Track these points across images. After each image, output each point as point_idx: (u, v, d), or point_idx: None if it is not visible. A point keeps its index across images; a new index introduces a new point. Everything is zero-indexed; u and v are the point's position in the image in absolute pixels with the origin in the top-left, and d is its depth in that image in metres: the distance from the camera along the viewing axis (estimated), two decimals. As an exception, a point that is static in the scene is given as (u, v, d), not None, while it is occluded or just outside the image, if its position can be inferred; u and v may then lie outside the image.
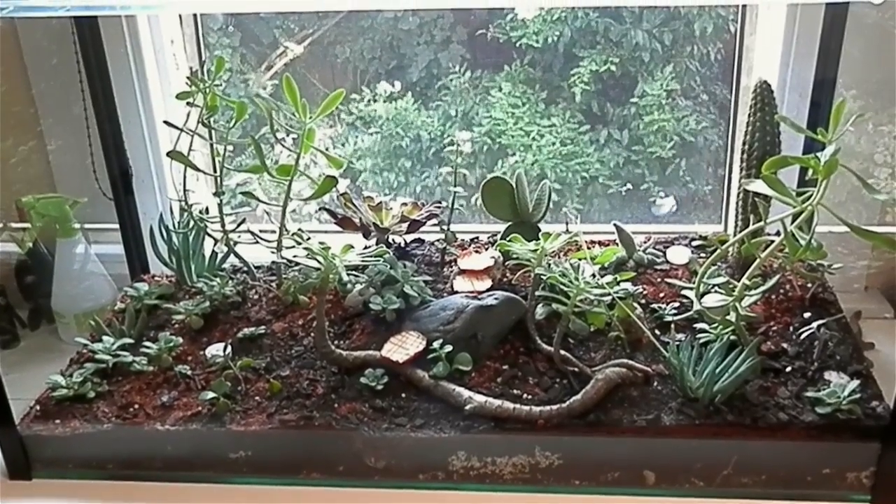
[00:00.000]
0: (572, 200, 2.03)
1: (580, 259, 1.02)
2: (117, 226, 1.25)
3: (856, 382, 0.91)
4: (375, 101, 2.11)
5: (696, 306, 0.93)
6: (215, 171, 1.14)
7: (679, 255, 1.14)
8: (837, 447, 0.88)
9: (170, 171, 1.29)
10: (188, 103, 1.12)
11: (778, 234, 0.89)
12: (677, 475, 0.91)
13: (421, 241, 1.21)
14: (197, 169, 1.13)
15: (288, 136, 1.08)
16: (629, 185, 2.00)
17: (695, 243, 1.18)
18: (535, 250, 0.97)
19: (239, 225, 1.16)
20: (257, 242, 1.16)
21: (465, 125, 2.09)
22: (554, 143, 2.10)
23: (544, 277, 0.96)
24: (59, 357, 1.10)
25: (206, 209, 1.20)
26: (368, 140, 2.10)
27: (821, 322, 0.99)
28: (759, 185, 0.87)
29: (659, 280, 1.10)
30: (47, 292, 1.25)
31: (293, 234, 0.97)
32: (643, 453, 0.91)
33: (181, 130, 1.12)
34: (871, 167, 1.17)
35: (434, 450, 0.93)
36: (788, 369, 0.95)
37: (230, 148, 1.13)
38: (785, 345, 0.98)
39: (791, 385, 0.93)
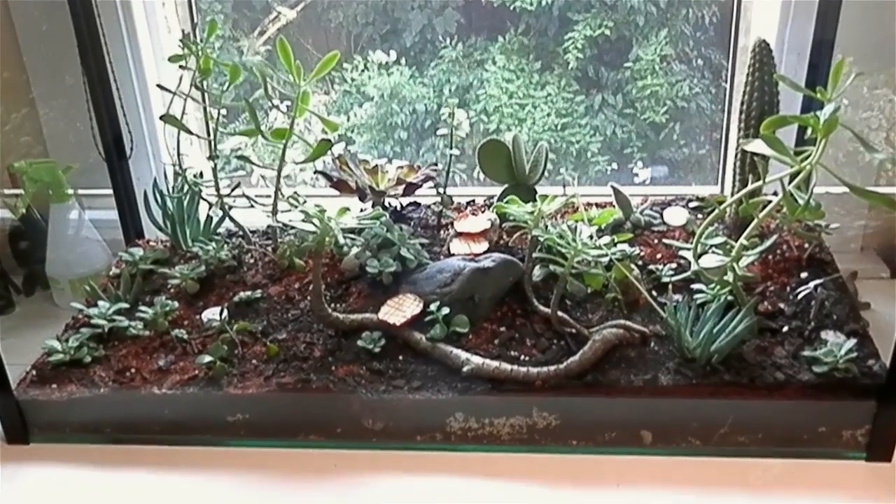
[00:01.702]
0: (566, 168, 2.01)
1: (577, 221, 1.01)
2: (111, 191, 1.23)
3: (852, 341, 0.90)
4: (368, 69, 2.08)
5: (694, 266, 0.92)
6: (209, 134, 1.12)
7: (676, 216, 1.13)
8: (833, 406, 0.88)
9: (163, 135, 1.26)
10: (181, 66, 1.10)
11: (775, 194, 0.88)
12: (674, 434, 0.91)
13: (417, 204, 1.20)
14: (190, 132, 1.12)
15: (282, 103, 1.06)
16: (615, 165, 1.99)
17: (692, 205, 1.17)
18: (532, 212, 0.96)
19: (234, 189, 1.15)
20: (252, 207, 1.14)
21: (460, 99, 2.07)
22: (548, 115, 2.09)
23: (541, 239, 0.95)
24: (55, 322, 1.09)
25: (201, 174, 1.19)
26: (363, 114, 2.08)
27: (817, 282, 0.98)
28: (757, 145, 0.86)
29: (656, 241, 1.10)
30: (41, 258, 1.24)
31: (289, 197, 0.96)
32: (640, 413, 0.91)
33: (174, 94, 1.10)
34: (865, 131, 1.16)
35: (432, 411, 0.93)
36: (785, 329, 0.95)
37: (224, 114, 1.12)
38: (782, 305, 0.98)
39: (788, 345, 0.93)
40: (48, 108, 1.33)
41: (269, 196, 1.11)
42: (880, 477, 0.87)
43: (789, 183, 0.85)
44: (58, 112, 1.32)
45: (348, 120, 2.04)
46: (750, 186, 0.89)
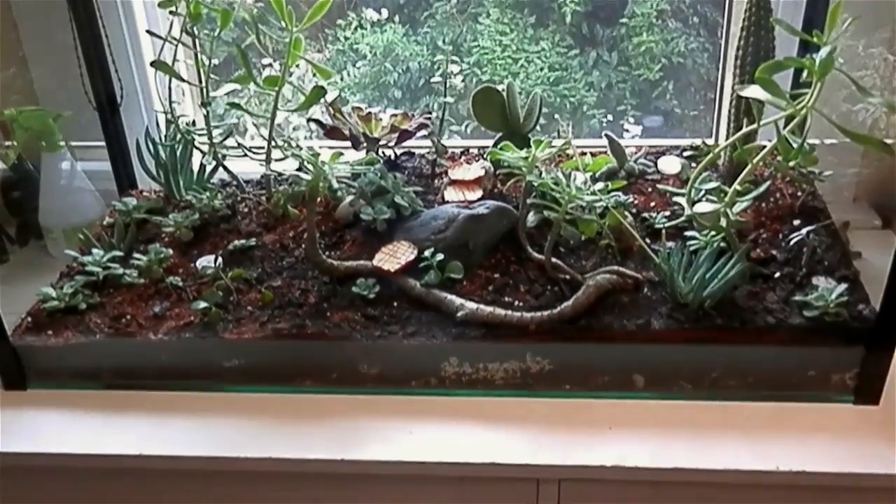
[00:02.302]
0: (561, 117, 2.00)
1: (572, 168, 1.01)
2: (104, 143, 1.22)
3: (843, 286, 0.91)
4: (362, 27, 2.05)
5: (688, 212, 0.92)
6: (200, 81, 1.11)
7: (670, 164, 1.13)
8: (823, 349, 0.90)
9: (155, 83, 1.25)
10: (171, 12, 1.08)
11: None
12: (666, 379, 0.92)
13: (411, 153, 1.20)
14: (181, 79, 1.11)
15: (275, 62, 1.05)
16: (609, 117, 1.97)
17: (686, 154, 1.17)
18: (526, 157, 0.96)
19: (226, 137, 1.14)
20: (245, 155, 1.14)
21: (454, 54, 2.05)
22: (542, 69, 2.07)
23: (535, 185, 0.95)
24: (49, 272, 1.09)
25: (193, 122, 1.18)
26: (357, 73, 2.06)
27: (810, 228, 0.99)
28: (753, 90, 0.86)
29: (650, 190, 1.10)
30: (34, 207, 1.23)
31: (283, 141, 0.95)
32: (633, 358, 0.92)
33: (164, 40, 1.09)
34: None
35: (426, 356, 0.93)
36: (777, 275, 0.95)
37: (216, 62, 1.11)
38: (774, 251, 0.99)
39: (779, 290, 0.94)
40: (39, 66, 1.31)
41: (262, 148, 1.11)
42: (867, 419, 0.89)
43: (784, 127, 0.85)
44: (49, 69, 1.30)
45: (342, 79, 2.02)
46: (745, 129, 0.89)
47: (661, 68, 2.03)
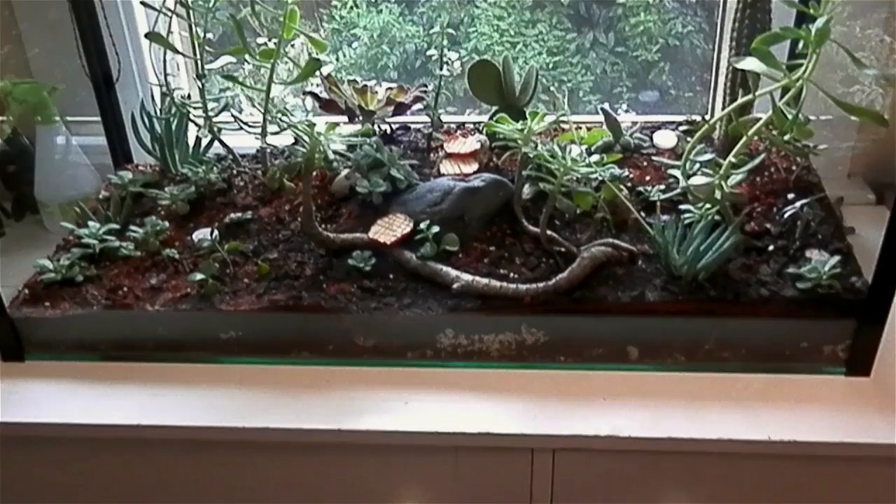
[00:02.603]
0: (555, 106, 1.99)
1: (567, 141, 1.01)
2: (99, 118, 1.22)
3: (836, 258, 0.92)
4: (357, 6, 2.04)
5: (682, 183, 0.93)
6: (195, 53, 1.10)
7: (666, 139, 1.13)
8: (815, 322, 0.90)
9: (150, 57, 1.25)
10: (166, -17, 1.08)
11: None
12: (660, 350, 0.93)
13: (407, 128, 1.20)
14: (176, 51, 1.10)
15: (270, 41, 1.05)
16: (606, 105, 1.97)
17: (682, 128, 1.17)
18: (522, 130, 0.96)
19: (221, 111, 1.14)
20: (241, 129, 1.14)
21: (450, 39, 2.04)
22: (540, 53, 2.06)
23: (531, 156, 0.95)
24: (46, 246, 1.09)
25: (188, 95, 1.18)
26: (353, 54, 2.05)
27: (804, 201, 0.99)
28: (749, 62, 0.86)
29: (645, 164, 1.10)
30: (30, 181, 1.23)
31: (278, 112, 0.95)
32: (627, 330, 0.93)
33: (159, 12, 1.08)
34: (855, 72, 1.15)
35: (422, 328, 0.94)
36: (771, 248, 0.96)
37: (210, 36, 1.10)
38: (768, 225, 0.99)
39: (773, 263, 0.94)
40: (35, 44, 1.30)
41: (257, 124, 1.11)
42: (858, 391, 0.90)
43: (780, 99, 0.85)
44: (44, 46, 1.29)
45: (337, 60, 2.01)
46: (740, 100, 0.89)
47: (658, 49, 2.02)
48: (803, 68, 0.83)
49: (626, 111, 1.90)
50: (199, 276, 0.97)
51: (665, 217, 0.98)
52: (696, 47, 2.03)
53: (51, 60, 1.28)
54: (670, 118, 1.23)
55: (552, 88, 1.17)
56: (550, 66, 2.05)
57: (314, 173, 1.09)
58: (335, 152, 0.97)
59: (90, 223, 1.07)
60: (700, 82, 1.96)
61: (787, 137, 0.99)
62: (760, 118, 0.90)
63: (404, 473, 0.92)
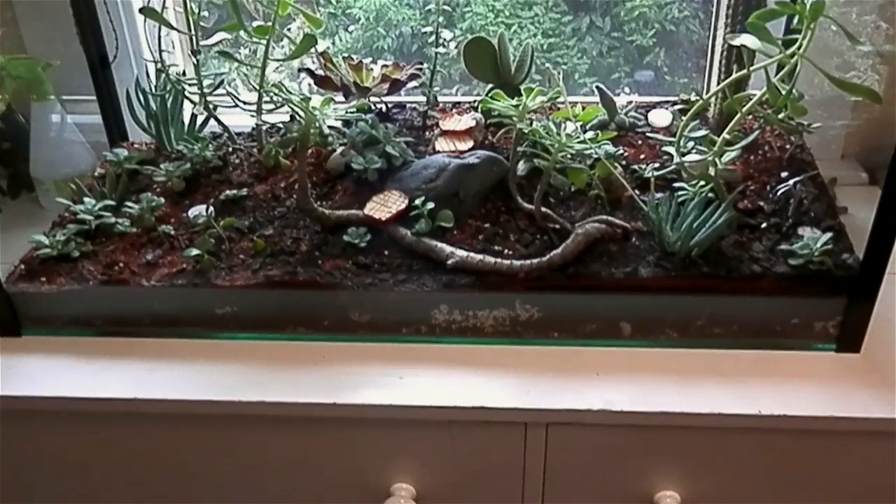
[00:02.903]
0: (549, 83, 1.99)
1: (562, 118, 1.01)
2: (94, 97, 1.22)
3: (828, 235, 0.92)
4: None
5: (677, 159, 0.93)
6: (190, 29, 1.10)
7: (661, 117, 1.14)
8: (807, 298, 0.91)
9: (144, 33, 1.25)
10: (160, -41, 1.08)
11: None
12: (652, 326, 0.94)
13: (402, 106, 1.20)
14: (171, 27, 1.10)
15: (267, 22, 1.05)
16: (599, 85, 1.96)
17: (677, 107, 1.17)
18: (517, 106, 0.96)
19: (217, 87, 1.14)
20: (236, 106, 1.14)
21: (445, 17, 2.03)
22: (535, 35, 2.05)
23: (526, 132, 0.95)
24: (41, 224, 1.09)
25: (184, 72, 1.18)
26: (349, 38, 2.04)
27: (797, 179, 1.00)
28: (744, 39, 0.86)
29: (640, 142, 1.10)
30: (25, 158, 1.23)
31: (273, 86, 0.95)
32: (620, 306, 0.93)
33: (154, -13, 1.08)
34: (851, 58, 1.15)
35: (417, 304, 0.94)
36: (763, 225, 0.97)
37: (206, 14, 1.10)
38: (761, 203, 0.99)
39: (765, 240, 0.95)
40: (30, 25, 1.30)
41: (253, 102, 1.11)
42: (849, 367, 0.90)
43: (775, 74, 0.85)
44: (39, 27, 1.29)
45: (333, 44, 2.01)
46: (735, 75, 0.89)
47: (654, 34, 2.02)
48: (798, 44, 0.83)
49: (618, 94, 1.90)
50: (194, 252, 0.97)
51: (659, 194, 0.98)
52: (692, 32, 2.02)
53: (47, 41, 1.28)
54: (666, 98, 1.23)
55: (548, 66, 1.16)
56: (546, 48, 2.04)
57: (310, 150, 1.10)
58: (331, 128, 0.97)
59: (86, 199, 1.07)
60: (696, 68, 1.96)
61: (781, 116, 1.00)
62: (755, 95, 0.90)
63: (399, 447, 0.93)
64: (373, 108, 1.16)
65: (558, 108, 1.11)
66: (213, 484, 0.98)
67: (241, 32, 1.04)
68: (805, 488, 0.92)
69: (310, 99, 0.93)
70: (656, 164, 1.04)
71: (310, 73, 1.12)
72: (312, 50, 1.06)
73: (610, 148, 1.03)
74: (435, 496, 0.94)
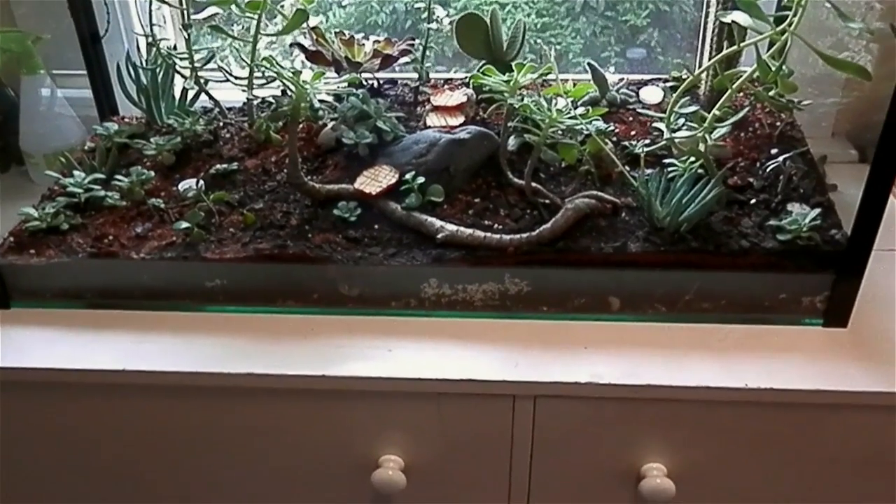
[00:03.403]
0: (541, 59, 1.99)
1: (553, 94, 1.01)
2: (84, 72, 1.21)
3: (816, 211, 0.93)
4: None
5: (667, 135, 0.93)
6: (181, 3, 1.10)
7: (652, 94, 1.14)
8: (794, 274, 0.91)
9: (135, 6, 1.24)
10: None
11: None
12: (641, 301, 0.94)
13: (394, 82, 1.20)
14: (162, 0, 1.10)
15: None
16: (591, 62, 1.96)
17: (669, 84, 1.17)
18: (508, 82, 0.96)
19: (208, 61, 1.13)
20: (227, 80, 1.13)
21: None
22: (529, 15, 2.05)
23: (516, 108, 0.95)
24: (31, 197, 1.09)
25: (175, 46, 1.17)
26: (343, 13, 2.03)
27: (786, 155, 1.00)
28: (736, 15, 0.86)
29: (631, 119, 1.10)
30: (14, 132, 1.22)
31: (263, 60, 0.95)
32: (609, 280, 0.94)
33: (145, -40, 1.08)
34: (845, 39, 1.15)
35: (406, 278, 0.95)
36: (753, 202, 0.97)
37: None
38: (751, 179, 1.00)
39: (754, 216, 0.95)
40: (21, 3, 1.29)
41: (244, 77, 1.10)
42: (836, 342, 0.91)
43: (767, 51, 0.85)
44: (31, 4, 1.28)
45: (327, 20, 2.00)
46: (726, 51, 0.89)
47: (647, 14, 2.01)
48: (788, 21, 0.83)
49: (611, 71, 1.89)
50: (184, 225, 0.97)
51: (649, 170, 0.98)
52: (685, 13, 2.02)
53: (37, 15, 1.27)
54: (658, 76, 1.23)
55: (540, 42, 1.16)
56: (539, 27, 2.04)
57: (300, 125, 1.10)
58: (321, 101, 0.97)
59: (75, 173, 1.07)
60: (690, 48, 1.95)
61: (771, 93, 1.01)
62: (746, 72, 0.90)
63: (388, 419, 0.93)
64: (364, 83, 1.16)
65: (550, 85, 1.11)
66: (201, 456, 0.99)
67: (233, 7, 1.04)
68: (791, 461, 0.92)
69: (300, 73, 0.93)
70: (647, 141, 1.04)
71: (301, 47, 1.11)
72: (304, 25, 1.06)
73: (600, 124, 1.03)
74: (423, 468, 0.95)
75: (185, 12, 1.10)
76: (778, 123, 1.08)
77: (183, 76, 1.17)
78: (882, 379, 0.86)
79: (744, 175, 1.01)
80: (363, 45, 1.13)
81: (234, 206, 1.02)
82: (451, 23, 1.12)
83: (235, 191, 1.04)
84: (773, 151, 1.03)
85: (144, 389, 0.93)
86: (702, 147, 0.93)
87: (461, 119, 1.06)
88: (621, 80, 1.18)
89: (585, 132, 1.00)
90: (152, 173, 1.06)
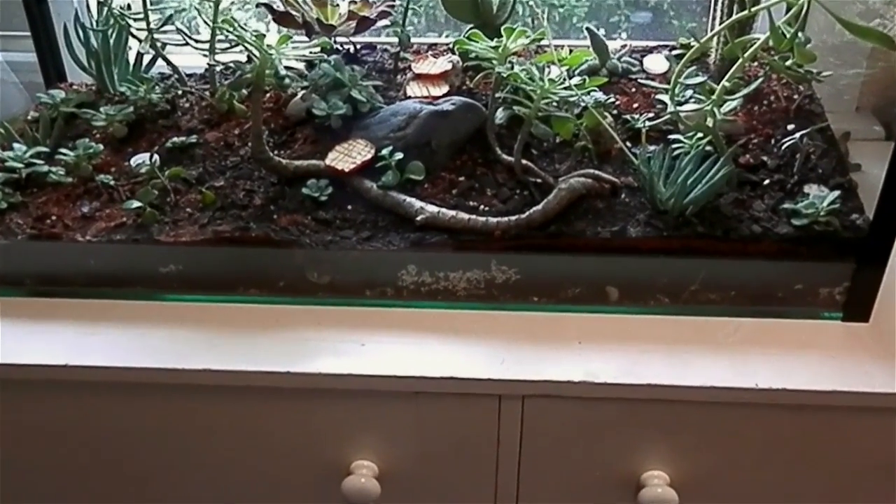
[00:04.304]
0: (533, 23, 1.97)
1: (547, 62, 1.00)
2: (28, 33, 1.19)
3: (836, 194, 0.91)
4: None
5: (671, 108, 0.92)
6: (135, -43, 1.08)
7: (657, 63, 1.13)
8: (811, 262, 0.90)
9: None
10: None
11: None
12: (642, 291, 0.93)
13: (372, 47, 1.18)
14: (113, -47, 1.08)
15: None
16: (589, 26, 1.95)
17: (675, 52, 1.16)
18: (497, 48, 0.95)
19: (165, 23, 1.11)
20: (187, 44, 1.12)
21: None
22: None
23: (505, 76, 0.93)
24: (-32, 172, 1.07)
25: (129, 5, 1.15)
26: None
27: (804, 132, 0.99)
28: (748, -23, 0.84)
29: (633, 90, 1.09)
30: (-49, 100, 1.21)
31: (224, 21, 0.93)
32: (606, 268, 0.92)
33: None
34: (854, 18, 1.13)
35: (382, 264, 0.93)
36: (766, 182, 0.96)
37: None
38: (765, 158, 0.99)
39: (768, 198, 0.94)
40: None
41: (206, 41, 1.09)
42: (856, 337, 0.90)
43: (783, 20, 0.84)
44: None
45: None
46: (736, 16, 0.87)
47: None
48: (807, -19, 0.82)
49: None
50: (135, 204, 0.96)
51: (652, 147, 0.97)
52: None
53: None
54: (663, 42, 1.22)
55: (531, 3, 1.14)
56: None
57: (267, 94, 1.08)
58: (289, 68, 0.96)
59: (16, 145, 1.05)
60: (706, 12, 1.94)
61: (788, 63, 0.99)
62: (759, 38, 0.89)
63: (360, 421, 0.92)
64: (339, 48, 1.14)
65: (543, 51, 1.09)
66: (151, 460, 0.97)
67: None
68: (806, 469, 0.92)
69: (265, 36, 0.91)
70: (650, 115, 1.03)
71: (268, 8, 1.09)
72: (273, -17, 1.05)
73: (599, 95, 1.01)
74: (399, 475, 0.94)
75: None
76: (795, 96, 1.07)
77: (138, 39, 1.15)
78: (906, 379, 0.85)
79: (756, 153, 0.99)
80: (337, 5, 1.11)
81: (191, 183, 1.00)
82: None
83: (194, 166, 1.03)
84: (790, 127, 1.02)
85: (90, 386, 0.92)
86: (710, 122, 0.92)
87: (445, 89, 1.05)
88: (623, 46, 1.16)
89: (582, 104, 0.99)
90: (101, 147, 1.05)
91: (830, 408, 0.86)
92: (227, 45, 1.10)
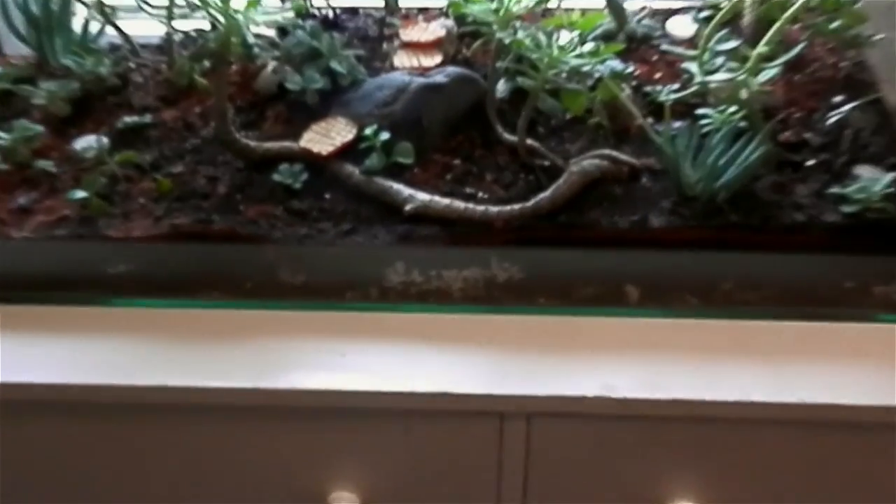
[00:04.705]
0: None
1: (555, 26, 0.98)
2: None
3: (891, 176, 0.91)
4: None
5: (699, 78, 0.91)
6: None
7: (682, 26, 1.13)
8: (863, 255, 0.90)
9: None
10: None
11: None
12: (666, 291, 0.92)
13: (354, 11, 1.18)
14: None
15: None
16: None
17: (703, 14, 1.15)
18: (497, 10, 0.93)
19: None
20: (141, 10, 1.10)
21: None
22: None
23: (507, 43, 0.92)
24: None
25: (73, -34, 1.14)
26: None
27: (853, 105, 0.98)
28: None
29: (655, 58, 1.09)
30: None
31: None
32: (625, 264, 0.92)
33: None
34: None
35: (365, 261, 0.93)
36: (810, 163, 0.95)
37: None
38: (808, 135, 0.98)
39: (812, 182, 0.94)
40: None
41: (163, 7, 1.07)
42: (916, 344, 0.89)
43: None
44: None
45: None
46: (774, -30, 0.86)
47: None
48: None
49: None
50: (80, 194, 0.95)
51: (677, 123, 0.96)
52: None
53: None
54: (690, 4, 1.21)
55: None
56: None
57: (232, 67, 1.07)
58: (258, 36, 0.95)
59: (-56, 128, 1.03)
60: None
61: (834, 25, 0.99)
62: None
63: (340, 445, 0.92)
64: (316, 13, 1.14)
65: (551, 15, 1.08)
66: (100, 488, 0.97)
67: None
68: (858, 496, 0.91)
69: (228, 1, 0.90)
70: (674, 86, 1.02)
71: (234, -33, 1.07)
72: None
73: (616, 64, 1.01)
74: (385, 507, 0.94)
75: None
76: (843, 64, 1.06)
77: (85, 4, 1.14)
78: (974, 392, 0.83)
79: (798, 129, 0.99)
80: (314, -36, 1.10)
81: (145, 169, 0.99)
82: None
83: (148, 150, 1.02)
84: (837, 99, 1.02)
85: (28, 406, 0.90)
86: (744, 94, 0.91)
87: (438, 58, 1.05)
88: (643, 8, 1.16)
89: (596, 75, 0.98)
90: (42, 128, 1.04)
91: (888, 426, 0.85)
92: (187, 10, 1.08)
